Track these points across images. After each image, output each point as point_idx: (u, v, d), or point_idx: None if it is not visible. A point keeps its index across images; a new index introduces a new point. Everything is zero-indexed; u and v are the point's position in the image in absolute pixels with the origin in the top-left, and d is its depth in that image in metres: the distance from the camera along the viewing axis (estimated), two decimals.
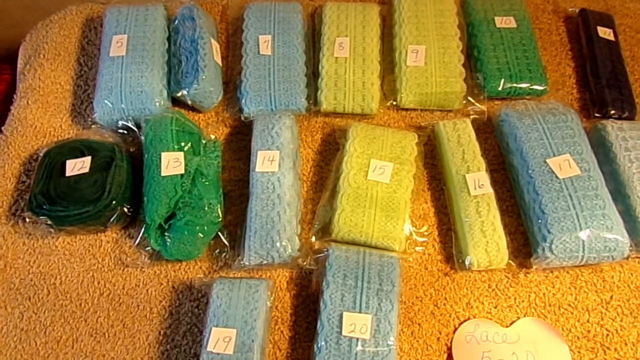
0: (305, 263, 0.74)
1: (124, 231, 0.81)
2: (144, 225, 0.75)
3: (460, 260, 0.76)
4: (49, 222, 0.75)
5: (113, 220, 0.76)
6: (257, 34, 0.95)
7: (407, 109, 0.92)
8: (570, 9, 1.02)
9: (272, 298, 0.72)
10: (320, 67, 0.92)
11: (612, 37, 0.95)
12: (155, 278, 0.77)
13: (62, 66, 0.97)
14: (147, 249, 0.76)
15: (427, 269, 0.77)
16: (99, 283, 0.76)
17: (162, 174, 0.76)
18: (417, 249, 0.78)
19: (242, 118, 0.88)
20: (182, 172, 0.76)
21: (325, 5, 0.99)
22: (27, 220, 0.76)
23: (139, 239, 0.76)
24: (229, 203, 0.82)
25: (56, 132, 0.90)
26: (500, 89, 0.89)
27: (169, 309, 0.75)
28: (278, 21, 0.97)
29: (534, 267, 0.75)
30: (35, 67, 0.96)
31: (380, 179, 0.79)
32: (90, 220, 0.75)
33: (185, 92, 0.87)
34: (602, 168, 0.78)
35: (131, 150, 0.85)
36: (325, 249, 0.74)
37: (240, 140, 0.89)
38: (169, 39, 0.94)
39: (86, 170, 0.78)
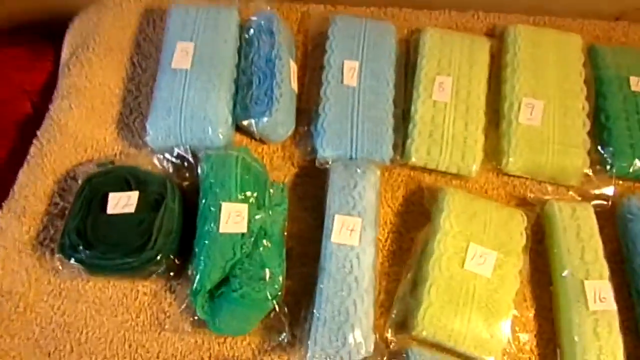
0: None
1: (166, 282, 0.68)
2: (191, 289, 0.63)
3: None
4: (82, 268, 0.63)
5: (157, 274, 0.64)
6: (342, 59, 0.80)
7: (510, 175, 0.77)
8: None
9: None
10: (413, 110, 0.77)
11: None
12: (195, 350, 0.64)
13: (113, 64, 0.83)
14: (194, 317, 0.63)
15: None
16: (130, 346, 0.65)
17: (221, 230, 0.63)
18: None
19: (317, 164, 0.74)
20: (244, 230, 0.63)
21: (425, 32, 0.83)
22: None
23: (184, 305, 0.64)
24: (288, 264, 0.68)
25: (99, 146, 0.77)
26: (631, 170, 0.74)
27: None
28: (368, 45, 0.81)
29: None
30: (83, 61, 0.83)
31: (479, 270, 0.64)
32: (130, 272, 0.64)
33: (253, 121, 0.73)
34: None
35: (184, 184, 0.72)
36: (403, 353, 0.61)
37: (309, 185, 0.76)
38: (239, 50, 0.80)
39: (132, 209, 0.65)
